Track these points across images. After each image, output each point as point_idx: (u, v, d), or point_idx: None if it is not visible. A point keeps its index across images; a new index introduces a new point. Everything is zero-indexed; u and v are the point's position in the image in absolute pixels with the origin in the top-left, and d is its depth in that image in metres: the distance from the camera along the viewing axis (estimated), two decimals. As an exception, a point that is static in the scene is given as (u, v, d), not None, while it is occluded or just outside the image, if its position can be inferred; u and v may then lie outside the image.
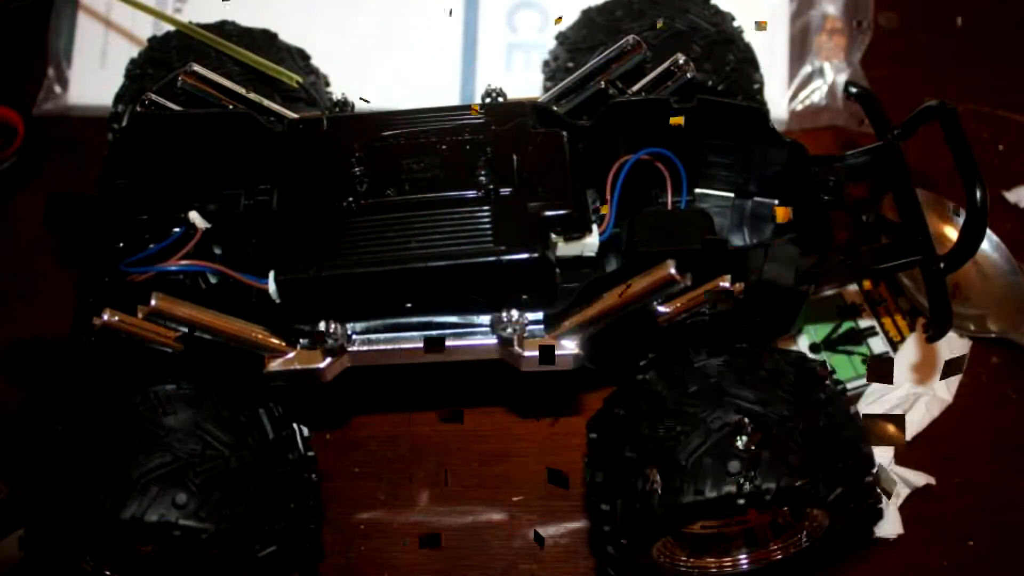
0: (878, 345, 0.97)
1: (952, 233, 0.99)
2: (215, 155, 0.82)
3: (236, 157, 0.83)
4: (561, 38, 1.00)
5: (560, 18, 0.98)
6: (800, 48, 1.13)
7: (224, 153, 0.82)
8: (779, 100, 1.09)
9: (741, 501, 0.71)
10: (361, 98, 0.85)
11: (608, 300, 0.75)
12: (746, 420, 0.72)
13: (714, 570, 0.85)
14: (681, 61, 0.83)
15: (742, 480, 0.70)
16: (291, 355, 0.76)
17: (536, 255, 0.74)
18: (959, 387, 0.95)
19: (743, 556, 0.85)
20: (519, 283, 0.75)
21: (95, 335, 0.72)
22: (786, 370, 0.77)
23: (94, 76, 1.10)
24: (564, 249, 0.78)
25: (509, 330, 0.74)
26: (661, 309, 0.75)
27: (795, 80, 1.12)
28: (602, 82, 0.84)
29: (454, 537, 0.89)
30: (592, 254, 0.79)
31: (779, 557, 0.84)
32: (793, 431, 0.72)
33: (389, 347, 0.77)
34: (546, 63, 1.01)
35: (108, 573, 0.80)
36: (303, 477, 0.79)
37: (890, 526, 0.87)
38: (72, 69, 1.11)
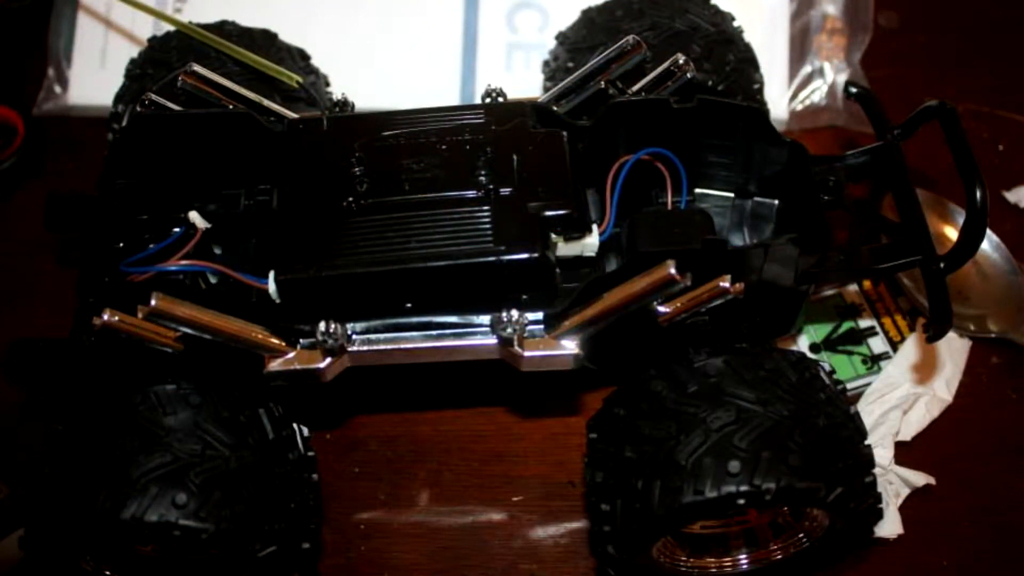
0: (878, 345, 0.97)
1: (952, 233, 0.99)
2: (215, 155, 0.82)
3: (236, 157, 0.83)
4: (561, 38, 1.00)
5: None
6: (800, 48, 1.13)
7: (224, 153, 0.82)
8: (779, 100, 1.09)
9: (741, 501, 0.71)
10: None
11: (608, 300, 0.75)
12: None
13: (714, 570, 0.85)
14: (681, 61, 0.83)
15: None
16: (291, 355, 0.76)
17: (536, 255, 0.74)
18: (959, 387, 0.95)
19: (743, 556, 0.85)
20: (519, 283, 0.75)
21: (95, 335, 0.72)
22: (786, 370, 0.77)
23: (94, 76, 1.10)
24: (564, 249, 0.78)
25: (509, 330, 0.74)
26: (661, 309, 0.75)
27: (795, 80, 1.12)
28: (602, 82, 0.84)
29: (454, 537, 0.89)
30: (592, 254, 0.79)
31: (779, 557, 0.84)
32: (793, 431, 0.73)
33: (389, 347, 0.77)
34: (546, 63, 1.01)
35: (108, 573, 0.80)
36: (303, 477, 0.79)
37: (890, 526, 0.87)
38: (72, 69, 1.11)
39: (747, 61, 0.95)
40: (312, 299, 0.75)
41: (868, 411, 0.91)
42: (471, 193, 0.77)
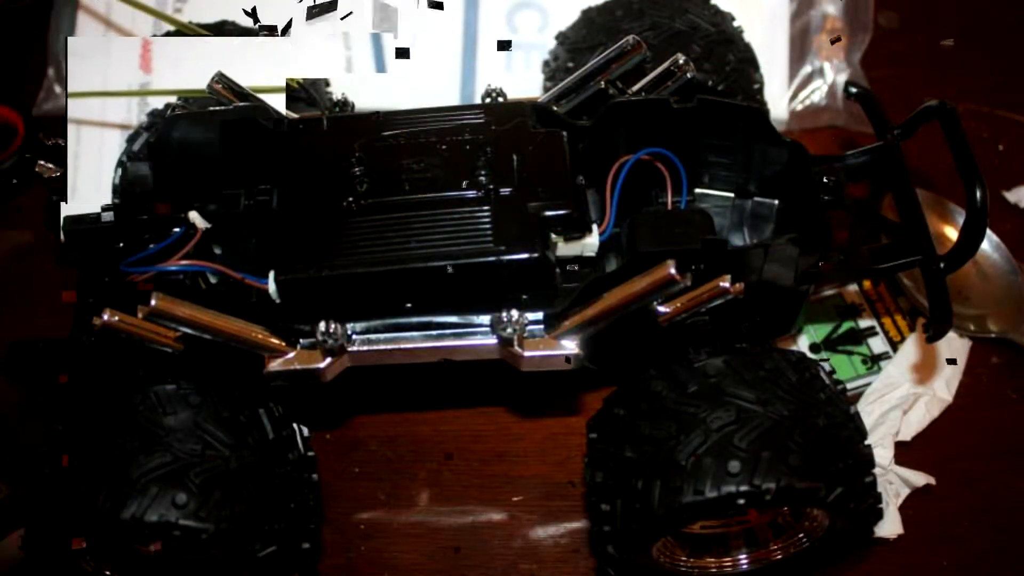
0: (878, 345, 0.97)
1: (952, 233, 0.99)
2: (215, 155, 0.82)
3: (236, 157, 0.83)
4: (561, 38, 1.00)
5: None
6: (800, 48, 1.13)
7: (224, 153, 0.82)
8: (779, 100, 1.09)
9: (741, 501, 0.71)
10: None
11: (608, 300, 0.75)
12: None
13: (714, 570, 0.85)
14: (681, 61, 0.83)
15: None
16: (291, 355, 0.76)
17: (536, 255, 0.74)
18: (959, 387, 0.95)
19: (743, 556, 0.85)
20: (519, 283, 0.75)
21: (95, 335, 0.72)
22: (786, 370, 0.77)
23: (94, 76, 1.10)
24: (564, 249, 0.78)
25: (509, 330, 0.74)
26: (661, 309, 0.75)
27: (795, 80, 1.12)
28: (602, 82, 0.84)
29: (454, 537, 0.89)
30: (592, 254, 0.79)
31: (779, 557, 0.84)
32: (793, 431, 0.73)
33: (389, 347, 0.77)
34: (546, 63, 1.01)
35: (108, 573, 0.80)
36: (303, 477, 0.79)
37: (890, 526, 0.87)
38: (72, 69, 1.11)
39: (747, 61, 0.95)
40: (312, 299, 0.75)
41: (868, 411, 0.91)
42: (471, 193, 0.77)
